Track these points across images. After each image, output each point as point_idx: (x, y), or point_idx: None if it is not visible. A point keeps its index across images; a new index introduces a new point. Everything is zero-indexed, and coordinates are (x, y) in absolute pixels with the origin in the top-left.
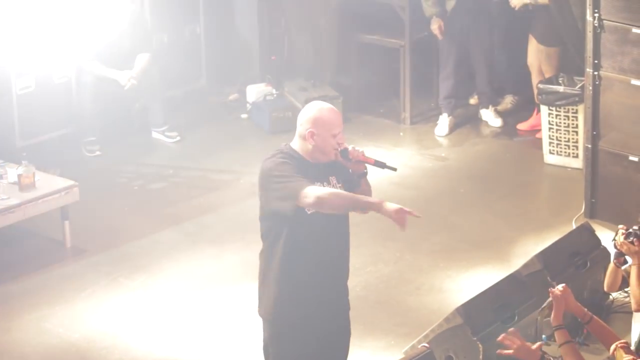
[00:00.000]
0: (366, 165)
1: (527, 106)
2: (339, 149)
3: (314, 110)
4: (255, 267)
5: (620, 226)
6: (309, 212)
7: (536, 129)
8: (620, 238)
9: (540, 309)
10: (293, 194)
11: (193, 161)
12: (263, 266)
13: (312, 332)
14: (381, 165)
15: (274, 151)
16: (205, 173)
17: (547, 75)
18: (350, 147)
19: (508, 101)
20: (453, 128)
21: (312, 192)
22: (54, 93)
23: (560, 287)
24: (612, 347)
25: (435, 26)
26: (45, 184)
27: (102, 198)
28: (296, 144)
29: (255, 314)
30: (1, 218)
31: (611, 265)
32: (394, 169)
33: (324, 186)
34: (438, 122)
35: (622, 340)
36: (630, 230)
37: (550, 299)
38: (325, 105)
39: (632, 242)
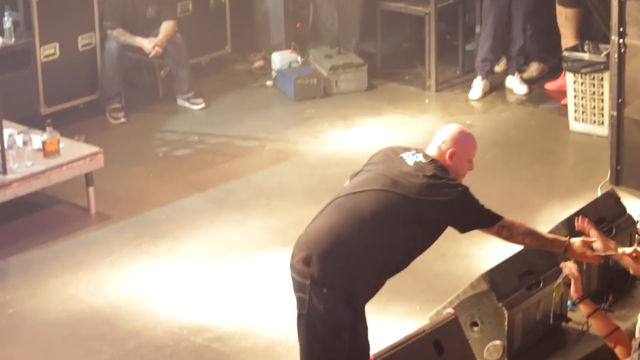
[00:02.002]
0: None
1: (553, 75)
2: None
3: (457, 133)
4: (280, 233)
5: None
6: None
7: (563, 90)
8: None
9: (555, 286)
10: (487, 222)
11: (218, 128)
12: (364, 253)
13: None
14: None
15: (440, 171)
16: (230, 140)
17: (565, 38)
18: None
19: (534, 68)
20: (487, 92)
21: (509, 227)
22: (79, 60)
23: (569, 263)
24: None
25: None
26: (70, 151)
27: (127, 164)
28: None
29: (279, 278)
30: (26, 184)
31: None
32: None
33: None
34: (472, 85)
35: None
36: None
37: (563, 274)
38: (467, 130)
39: None
